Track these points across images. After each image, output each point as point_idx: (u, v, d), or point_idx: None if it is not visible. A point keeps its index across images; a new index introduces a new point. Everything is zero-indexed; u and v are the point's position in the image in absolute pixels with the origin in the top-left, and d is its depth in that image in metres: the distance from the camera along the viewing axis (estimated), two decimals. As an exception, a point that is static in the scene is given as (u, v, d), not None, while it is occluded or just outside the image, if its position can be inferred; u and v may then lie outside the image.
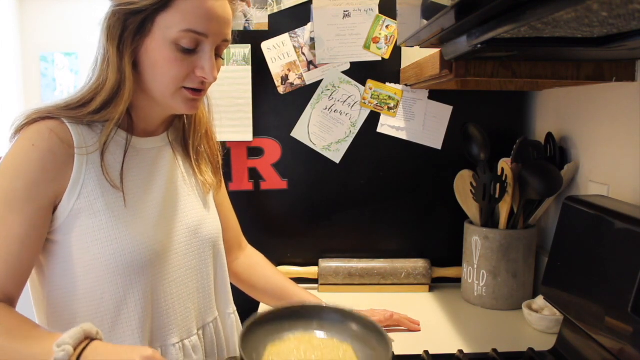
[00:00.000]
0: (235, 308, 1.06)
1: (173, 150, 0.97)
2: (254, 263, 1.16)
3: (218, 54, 0.87)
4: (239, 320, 1.06)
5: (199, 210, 0.97)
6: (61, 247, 0.83)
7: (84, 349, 0.68)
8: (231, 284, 1.07)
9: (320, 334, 0.86)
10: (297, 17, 1.37)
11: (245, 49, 1.36)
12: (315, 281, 1.41)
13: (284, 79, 1.38)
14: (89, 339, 0.70)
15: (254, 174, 1.42)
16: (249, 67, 1.37)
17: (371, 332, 0.84)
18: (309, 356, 0.78)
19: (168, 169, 0.94)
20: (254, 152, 1.41)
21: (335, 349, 0.81)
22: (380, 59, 1.38)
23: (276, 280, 1.13)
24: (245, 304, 1.15)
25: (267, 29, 1.37)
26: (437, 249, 1.44)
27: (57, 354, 0.66)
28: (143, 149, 0.91)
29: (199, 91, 0.87)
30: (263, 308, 1.23)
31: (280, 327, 0.85)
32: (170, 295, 0.90)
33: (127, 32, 0.81)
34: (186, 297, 0.92)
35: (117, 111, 0.83)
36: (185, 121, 0.99)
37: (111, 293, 0.83)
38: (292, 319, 0.87)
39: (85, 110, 0.83)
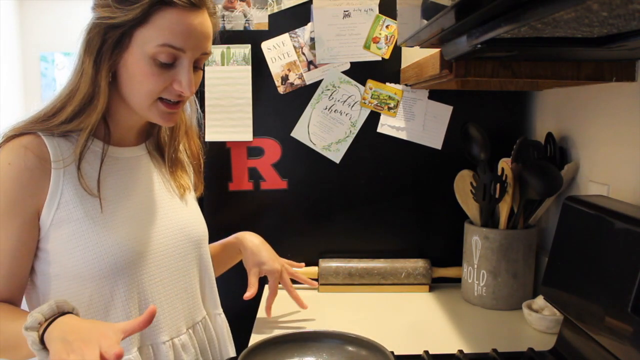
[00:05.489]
0: (222, 310, 1.07)
1: (152, 158, 0.99)
2: None
3: (197, 66, 0.88)
4: (227, 322, 1.08)
5: (182, 212, 0.99)
6: (47, 255, 0.85)
7: (54, 319, 0.70)
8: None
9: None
10: (297, 17, 1.37)
11: (245, 49, 1.36)
12: (315, 281, 1.41)
13: (284, 79, 1.38)
14: (63, 312, 0.72)
15: (254, 174, 1.42)
16: (249, 67, 1.37)
17: (369, 350, 0.86)
18: None
19: (148, 176, 0.96)
20: (254, 152, 1.41)
21: None
22: (380, 59, 1.38)
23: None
24: (234, 308, 1.15)
25: (267, 29, 1.37)
26: (437, 249, 1.44)
27: (26, 322, 0.69)
28: (121, 158, 0.93)
29: (175, 104, 0.88)
30: (260, 313, 1.23)
31: (279, 354, 0.87)
32: (157, 294, 0.91)
33: (106, 45, 0.82)
34: (174, 297, 0.94)
35: (90, 121, 0.85)
36: (160, 129, 1.01)
37: (98, 296, 0.85)
38: (288, 345, 0.89)
39: (56, 119, 0.85)
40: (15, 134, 0.84)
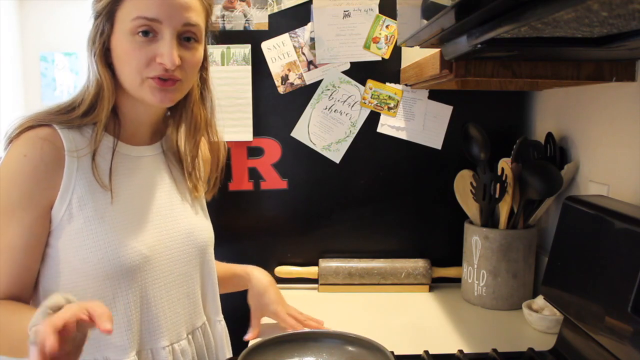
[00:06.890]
0: (222, 317, 1.06)
1: (166, 158, 0.98)
2: None
3: (188, 39, 0.86)
4: (226, 329, 1.07)
5: (191, 217, 0.98)
6: (53, 251, 0.85)
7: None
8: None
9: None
10: (297, 17, 1.37)
11: (245, 49, 1.36)
12: (315, 281, 1.41)
13: (284, 78, 1.38)
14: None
15: (254, 174, 1.42)
16: (249, 67, 1.37)
17: (369, 350, 0.87)
18: None
19: (160, 177, 0.95)
20: (254, 152, 1.41)
21: None
22: (380, 58, 1.38)
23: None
24: (234, 313, 1.15)
25: (267, 29, 1.37)
26: (437, 249, 1.44)
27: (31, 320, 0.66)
28: (133, 156, 0.92)
29: (166, 81, 0.85)
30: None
31: (279, 354, 0.87)
32: (160, 299, 0.90)
33: (98, 33, 0.85)
34: (176, 302, 0.93)
35: (102, 114, 0.86)
36: (178, 127, 0.98)
37: (100, 296, 0.84)
38: (288, 345, 0.89)
39: (75, 113, 0.85)
40: (31, 125, 0.84)
